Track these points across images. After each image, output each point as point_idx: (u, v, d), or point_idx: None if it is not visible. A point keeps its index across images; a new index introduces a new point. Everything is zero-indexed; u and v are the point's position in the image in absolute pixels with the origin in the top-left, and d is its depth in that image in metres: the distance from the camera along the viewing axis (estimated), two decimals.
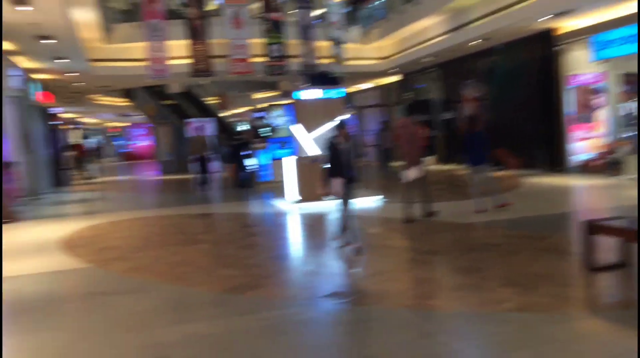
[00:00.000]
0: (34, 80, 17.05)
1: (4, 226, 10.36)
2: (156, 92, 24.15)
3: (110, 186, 19.49)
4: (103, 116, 39.13)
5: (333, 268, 6.48)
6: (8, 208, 11.10)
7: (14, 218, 11.14)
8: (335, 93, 11.67)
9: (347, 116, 11.36)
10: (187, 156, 17.05)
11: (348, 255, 6.76)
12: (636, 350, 3.61)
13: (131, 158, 38.13)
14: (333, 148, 6.87)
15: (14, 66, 14.18)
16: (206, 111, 25.51)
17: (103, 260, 7.23)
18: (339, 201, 6.95)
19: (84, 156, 25.01)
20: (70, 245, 8.36)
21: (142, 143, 38.74)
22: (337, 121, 7.28)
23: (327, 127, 11.06)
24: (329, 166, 6.83)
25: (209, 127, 20.87)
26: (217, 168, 18.20)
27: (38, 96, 17.66)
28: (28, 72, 16.13)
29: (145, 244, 8.35)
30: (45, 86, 19.01)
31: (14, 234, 9.73)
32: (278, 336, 4.31)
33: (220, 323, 4.68)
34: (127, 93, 25.64)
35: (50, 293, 5.79)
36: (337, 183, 6.75)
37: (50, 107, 20.14)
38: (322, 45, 19.30)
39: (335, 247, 7.10)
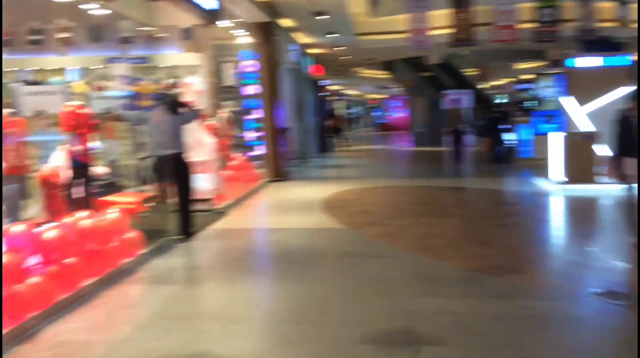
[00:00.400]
0: (308, 54, 18.70)
1: (278, 184, 11.67)
2: (414, 64, 24.33)
3: (366, 155, 20.52)
4: (364, 88, 41.41)
5: (604, 261, 5.54)
6: (282, 168, 12.45)
7: (286, 177, 12.48)
8: (618, 61, 10.00)
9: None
10: (442, 129, 16.80)
11: (626, 249, 5.68)
12: None
13: (387, 128, 39.51)
14: (625, 122, 5.70)
15: (293, 41, 15.69)
16: (463, 83, 24.76)
17: (356, 223, 7.51)
18: (628, 185, 5.77)
19: (341, 125, 26.70)
20: (329, 206, 8.94)
21: (397, 114, 39.78)
22: (630, 91, 6.08)
23: (609, 99, 9.55)
24: (618, 143, 5.71)
25: (465, 100, 20.19)
26: (471, 141, 17.54)
27: (310, 68, 19.37)
28: (303, 46, 17.76)
29: (396, 212, 8.43)
30: (317, 59, 20.74)
31: (285, 191, 10.88)
32: (540, 330, 3.80)
33: (472, 303, 4.37)
34: (387, 65, 26.43)
35: (311, 248, 6.22)
36: (630, 164, 5.59)
37: (319, 79, 21.99)
38: (604, 6, 16.77)
39: (626, 241, 5.98)
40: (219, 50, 11.73)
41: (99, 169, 6.26)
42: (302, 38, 16.94)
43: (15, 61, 11.41)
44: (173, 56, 11.58)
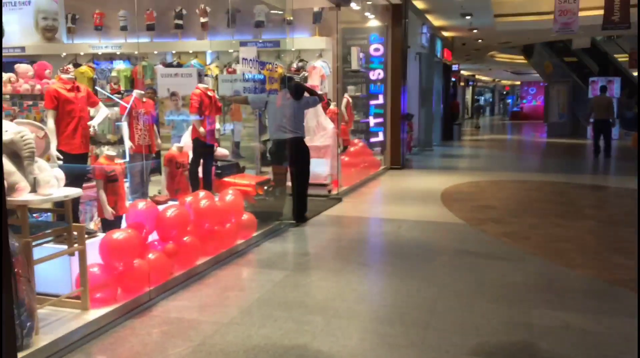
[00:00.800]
0: (439, 37, 17.97)
1: (397, 172, 11.40)
2: (557, 48, 22.46)
3: (495, 144, 19.38)
4: (497, 74, 39.17)
5: None
6: (402, 156, 12.12)
7: (405, 165, 12.14)
8: None
9: None
10: (584, 119, 15.30)
11: None
12: None
13: (519, 117, 37.21)
14: None
15: (424, 23, 15.12)
16: (612, 70, 22.37)
17: (477, 218, 7.05)
18: None
19: (457, 111, 25.44)
20: (448, 198, 8.51)
21: (532, 102, 37.25)
22: None
23: None
24: None
25: (614, 88, 18.22)
26: (617, 134, 15.81)
27: (441, 53, 18.61)
28: (435, 29, 17.09)
29: (523, 209, 7.78)
30: (448, 43, 19.89)
31: (403, 179, 10.58)
32: None
33: (605, 320, 3.84)
34: (524, 50, 24.69)
35: (425, 243, 5.93)
36: None
37: (449, 64, 21.10)
38: None
39: None
40: (347, 33, 11.64)
41: (222, 150, 6.47)
42: (435, 20, 16.30)
43: (158, 44, 12.22)
44: (302, 39, 11.68)
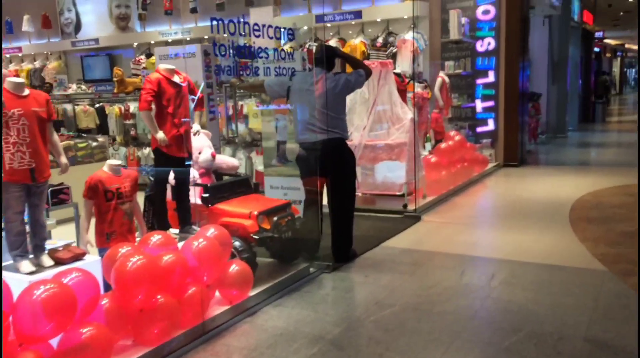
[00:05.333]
0: None
1: (512, 170, 8.75)
2: None
3: None
4: None
5: None
6: (521, 148, 9.39)
7: (525, 161, 9.40)
8: None
9: None
10: None
11: None
12: None
13: None
14: None
15: None
16: None
17: (626, 258, 4.44)
18: None
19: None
20: (580, 215, 5.87)
21: None
22: None
23: None
24: None
25: None
26: None
27: (579, 15, 15.08)
28: None
29: None
30: (589, 3, 16.19)
31: (520, 182, 7.95)
32: None
33: None
34: None
35: (529, 319, 3.53)
36: None
37: (591, 29, 17.32)
38: None
39: None
40: None
41: (228, 160, 4.59)
42: None
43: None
44: (391, 7, 9.40)
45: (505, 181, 8.23)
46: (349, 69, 4.80)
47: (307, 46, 8.81)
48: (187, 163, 3.84)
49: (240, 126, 7.01)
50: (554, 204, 6.47)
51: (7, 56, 12.46)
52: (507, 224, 5.89)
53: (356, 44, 9.12)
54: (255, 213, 3.73)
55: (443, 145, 7.37)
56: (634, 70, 40.51)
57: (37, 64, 12.08)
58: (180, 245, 3.37)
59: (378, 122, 6.48)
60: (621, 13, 20.00)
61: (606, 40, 25.50)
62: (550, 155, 10.89)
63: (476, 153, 8.27)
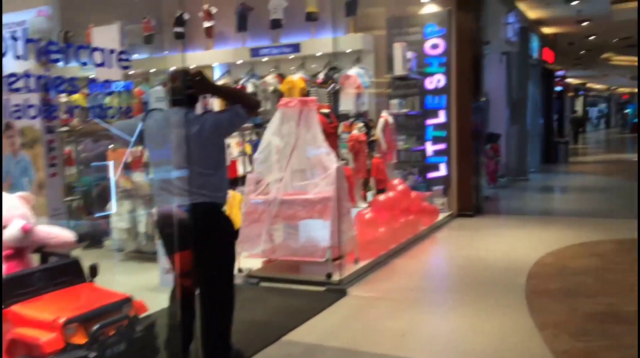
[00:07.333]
0: (535, 32, 13.91)
1: (465, 222, 7.74)
2: None
3: (614, 169, 14.72)
4: (612, 81, 33.17)
5: None
6: (475, 195, 8.42)
7: (479, 210, 8.42)
8: None
9: None
10: None
11: None
12: None
13: None
14: None
15: (511, 11, 11.20)
16: None
17: (589, 354, 3.39)
18: None
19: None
20: (542, 288, 4.83)
21: None
22: None
23: None
24: None
25: None
26: None
27: (539, 53, 14.50)
28: (531, 24, 13.12)
29: None
30: (549, 41, 15.71)
31: (473, 238, 6.90)
32: None
33: None
34: None
35: None
36: None
37: (551, 68, 16.82)
38: None
39: None
40: (393, 25, 8.30)
41: (54, 231, 3.39)
42: (529, 10, 12.41)
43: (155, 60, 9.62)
44: (332, 40, 8.47)
45: (457, 236, 7.19)
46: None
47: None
48: None
49: (139, 176, 5.86)
50: (509, 269, 5.42)
51: None
52: (450, 299, 4.81)
53: (295, 80, 8.13)
54: (62, 320, 2.52)
55: (381, 197, 6.29)
56: (596, 109, 40.94)
57: None
58: None
59: (300, 173, 5.40)
60: (582, 52, 19.69)
61: (568, 80, 25.29)
62: (510, 201, 9.97)
63: (424, 203, 7.22)
